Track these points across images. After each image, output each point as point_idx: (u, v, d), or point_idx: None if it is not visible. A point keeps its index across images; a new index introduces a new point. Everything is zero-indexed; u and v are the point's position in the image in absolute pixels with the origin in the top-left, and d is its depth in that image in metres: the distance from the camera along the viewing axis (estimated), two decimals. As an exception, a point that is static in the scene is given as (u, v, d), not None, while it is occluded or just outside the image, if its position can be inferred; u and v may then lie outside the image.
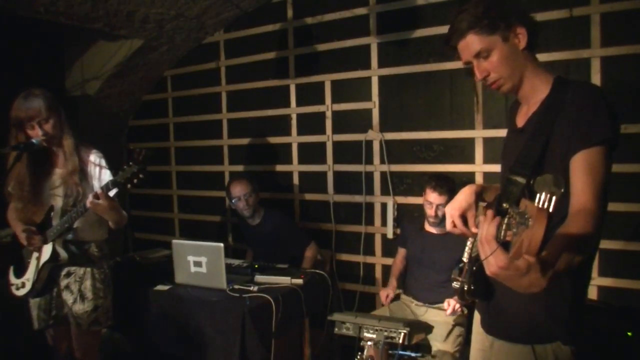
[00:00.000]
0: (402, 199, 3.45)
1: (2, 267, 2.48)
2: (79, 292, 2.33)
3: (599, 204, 1.19)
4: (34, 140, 2.21)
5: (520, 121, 1.43)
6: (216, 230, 4.38)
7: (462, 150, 3.21)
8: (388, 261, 3.51)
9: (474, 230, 1.44)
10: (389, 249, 3.51)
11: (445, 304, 2.66)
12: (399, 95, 3.41)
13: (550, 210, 0.89)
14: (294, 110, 3.86)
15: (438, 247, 2.86)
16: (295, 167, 3.89)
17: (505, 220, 1.04)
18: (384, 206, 3.52)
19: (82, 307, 2.32)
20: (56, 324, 2.40)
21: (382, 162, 3.49)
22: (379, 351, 2.43)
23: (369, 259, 3.62)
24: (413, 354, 2.54)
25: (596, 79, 2.74)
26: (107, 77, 4.12)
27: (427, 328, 2.72)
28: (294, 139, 3.87)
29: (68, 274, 2.34)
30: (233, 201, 3.36)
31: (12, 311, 2.61)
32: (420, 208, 3.04)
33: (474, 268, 1.37)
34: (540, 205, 0.90)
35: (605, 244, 2.67)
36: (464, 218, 1.47)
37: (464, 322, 2.72)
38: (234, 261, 3.34)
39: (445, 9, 3.16)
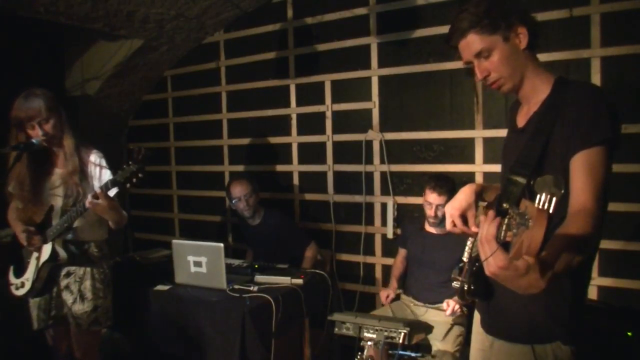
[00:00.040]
0: (402, 199, 3.45)
1: (2, 267, 2.48)
2: (78, 292, 2.33)
3: (599, 204, 1.19)
4: (34, 141, 2.21)
5: (521, 121, 1.43)
6: (216, 230, 4.38)
7: (462, 150, 3.21)
8: (388, 261, 3.51)
9: (474, 229, 1.44)
10: (389, 249, 3.51)
11: (444, 305, 2.66)
12: (399, 95, 3.41)
13: (551, 211, 0.89)
14: (294, 110, 3.86)
15: (438, 247, 2.86)
16: (295, 167, 3.89)
17: (506, 221, 1.04)
18: (384, 206, 3.52)
19: (81, 307, 2.32)
20: (55, 324, 2.40)
21: (382, 162, 3.49)
22: (379, 351, 2.43)
23: (369, 259, 3.62)
24: (413, 354, 2.54)
25: (596, 79, 2.74)
26: (107, 77, 4.12)
27: (427, 328, 2.72)
28: (294, 139, 3.87)
29: (68, 274, 2.34)
30: (233, 202, 3.36)
31: (12, 311, 2.61)
32: (420, 208, 3.04)
33: (474, 268, 1.37)
34: (540, 206, 0.90)
35: (605, 244, 2.67)
36: (464, 218, 1.47)
37: (464, 322, 2.73)
38: (234, 261, 3.34)
39: (445, 9, 3.16)
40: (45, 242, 2.28)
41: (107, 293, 2.42)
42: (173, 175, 4.65)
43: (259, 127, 4.05)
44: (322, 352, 3.06)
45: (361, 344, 2.52)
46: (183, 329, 2.68)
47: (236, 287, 2.73)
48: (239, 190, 3.33)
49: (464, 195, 1.49)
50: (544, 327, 1.33)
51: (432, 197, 2.81)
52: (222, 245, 2.70)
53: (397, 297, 3.05)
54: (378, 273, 3.60)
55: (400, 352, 2.44)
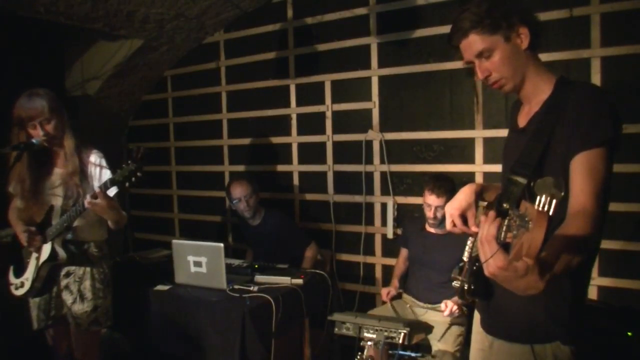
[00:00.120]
0: (402, 199, 3.45)
1: (2, 267, 2.48)
2: (78, 292, 2.33)
3: (599, 205, 1.19)
4: (34, 141, 2.21)
5: (522, 121, 1.43)
6: (216, 230, 4.38)
7: (462, 150, 3.21)
8: (388, 261, 3.51)
9: (473, 229, 1.44)
10: (389, 249, 3.51)
11: (442, 305, 2.66)
12: (399, 95, 3.41)
13: (551, 213, 0.89)
14: (294, 110, 3.86)
15: (439, 247, 2.85)
16: (295, 167, 3.89)
17: (506, 222, 1.04)
18: (384, 206, 3.52)
19: (81, 307, 2.32)
20: (55, 324, 2.40)
21: (382, 162, 3.49)
22: (379, 351, 2.43)
23: (369, 259, 3.62)
24: (413, 354, 2.54)
25: (596, 79, 2.74)
26: (107, 77, 4.12)
27: (427, 328, 2.72)
28: (294, 139, 3.87)
29: (67, 274, 2.34)
30: (233, 202, 3.36)
31: (12, 311, 2.61)
32: (420, 208, 3.04)
33: (474, 267, 1.37)
34: (540, 209, 0.90)
35: (605, 244, 2.66)
36: (463, 217, 1.46)
37: (464, 322, 2.72)
38: (234, 261, 3.34)
39: (445, 9, 3.16)
40: (45, 241, 2.28)
41: (107, 293, 2.42)
42: (173, 175, 4.65)
43: (259, 127, 4.05)
44: (322, 352, 3.06)
45: (361, 344, 2.52)
46: (183, 329, 2.68)
47: (236, 287, 2.73)
48: (239, 191, 3.33)
49: (464, 195, 1.49)
50: (543, 327, 1.33)
51: (431, 199, 2.81)
52: (222, 245, 2.70)
53: (398, 296, 3.05)
54: (378, 273, 3.60)
55: (400, 352, 2.44)
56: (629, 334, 2.00)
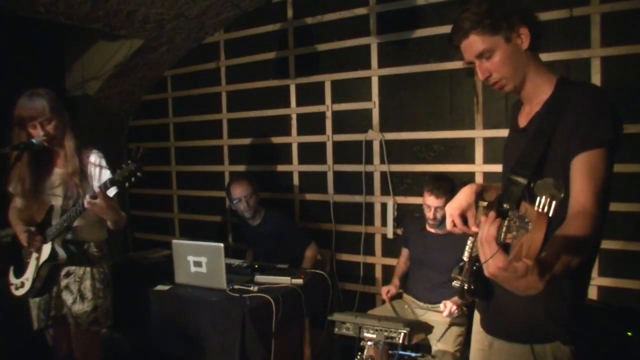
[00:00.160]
0: (402, 199, 3.45)
1: (2, 267, 2.48)
2: (78, 292, 2.33)
3: (599, 205, 1.19)
4: (34, 141, 2.21)
5: (523, 121, 1.43)
6: (216, 230, 4.38)
7: (462, 150, 3.21)
8: (388, 261, 3.51)
9: (474, 229, 1.44)
10: (389, 249, 3.51)
11: (441, 306, 2.66)
12: (399, 95, 3.41)
13: (550, 214, 0.89)
14: (294, 110, 3.86)
15: (439, 247, 2.85)
16: (295, 167, 3.89)
17: (506, 223, 1.04)
18: (384, 206, 3.52)
19: (81, 307, 2.32)
20: (55, 324, 2.40)
21: (382, 162, 3.49)
22: (379, 351, 2.43)
23: (369, 259, 3.62)
24: (413, 354, 2.54)
25: (596, 79, 2.74)
26: (107, 77, 4.12)
27: (427, 328, 2.72)
28: (294, 139, 3.87)
29: (68, 274, 2.34)
30: (233, 202, 3.36)
31: (12, 311, 2.61)
32: (420, 208, 3.04)
33: (474, 267, 1.37)
34: (540, 210, 0.90)
35: (605, 244, 2.65)
36: (464, 217, 1.46)
37: (464, 322, 2.73)
38: (234, 261, 3.34)
39: (445, 8, 3.16)
40: (45, 242, 2.28)
41: (107, 293, 2.42)
42: (173, 175, 4.65)
43: (259, 127, 4.05)
44: (322, 352, 3.06)
45: (361, 344, 2.52)
46: (183, 329, 2.68)
47: (236, 287, 2.74)
48: (239, 191, 3.33)
49: (464, 195, 1.49)
50: (543, 327, 1.33)
51: (430, 200, 2.81)
52: (222, 245, 2.70)
53: (399, 296, 3.05)
54: (378, 273, 3.60)
55: (400, 352, 2.44)
56: (629, 334, 2.00)
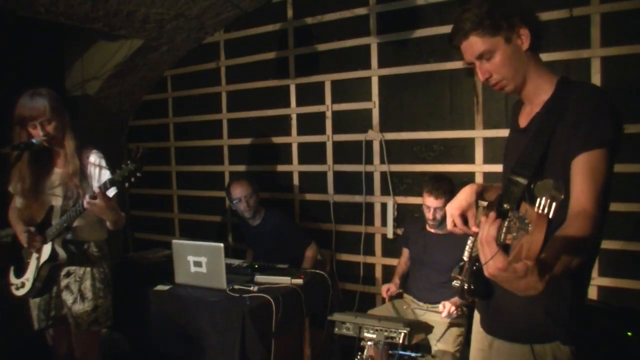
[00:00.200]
0: (402, 199, 3.45)
1: (2, 267, 2.48)
2: (78, 292, 2.33)
3: (599, 206, 1.19)
4: (34, 141, 2.21)
5: (523, 121, 1.43)
6: (216, 230, 4.38)
7: (462, 151, 3.21)
8: (388, 261, 3.51)
9: (474, 229, 1.44)
10: (389, 249, 3.51)
11: (440, 307, 2.66)
12: (399, 95, 3.41)
13: (551, 216, 0.89)
14: (294, 110, 3.86)
15: (439, 247, 2.86)
16: (295, 167, 3.89)
17: (506, 223, 1.04)
18: (384, 206, 3.52)
19: (82, 307, 2.32)
20: (55, 324, 2.40)
21: (382, 162, 3.49)
22: (379, 351, 2.43)
23: (369, 259, 3.62)
24: (413, 354, 2.54)
25: (596, 79, 2.74)
26: (107, 77, 4.12)
27: (427, 328, 2.72)
28: (294, 139, 3.87)
29: (68, 274, 2.34)
30: (233, 203, 3.36)
31: (12, 311, 2.61)
32: (420, 208, 3.04)
33: (474, 267, 1.37)
34: (540, 211, 0.90)
35: (605, 244, 2.65)
36: (464, 217, 1.46)
37: (464, 322, 2.73)
38: (234, 261, 3.34)
39: (445, 9, 3.16)
40: (45, 242, 2.28)
41: (107, 293, 2.42)
42: (173, 175, 4.65)
43: (259, 127, 4.05)
44: (322, 352, 3.06)
45: (361, 344, 2.52)
46: (183, 329, 2.68)
47: (236, 287, 2.74)
48: (239, 191, 3.33)
49: (465, 195, 1.49)
50: (543, 327, 1.33)
51: (429, 201, 2.81)
52: (222, 245, 2.70)
53: (399, 296, 3.05)
54: (378, 273, 3.60)
55: (400, 352, 2.44)
56: (629, 334, 2.00)
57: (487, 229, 1.05)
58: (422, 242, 2.96)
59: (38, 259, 2.29)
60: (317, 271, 3.08)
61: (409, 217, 3.37)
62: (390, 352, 2.47)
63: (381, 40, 3.42)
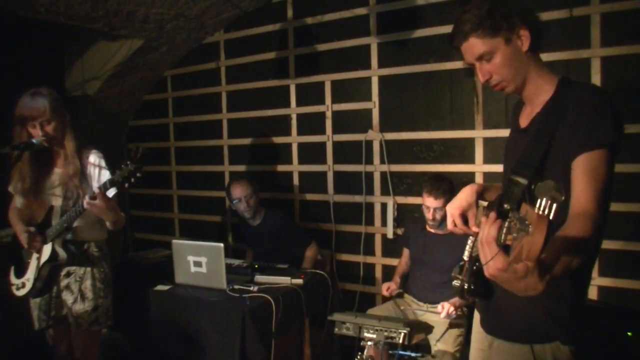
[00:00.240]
0: (402, 199, 3.45)
1: (2, 267, 2.48)
2: (79, 291, 2.33)
3: (599, 207, 1.19)
4: (34, 140, 2.21)
5: (524, 121, 1.43)
6: (216, 230, 4.38)
7: (462, 151, 3.21)
8: (388, 261, 3.51)
9: (474, 229, 1.44)
10: (389, 249, 3.51)
11: (439, 307, 2.66)
12: (399, 95, 3.41)
13: (551, 217, 0.89)
14: (294, 110, 3.86)
15: (439, 248, 2.86)
16: (295, 167, 3.89)
17: (506, 224, 1.04)
18: (384, 206, 3.52)
19: (82, 306, 2.32)
20: (55, 324, 2.40)
21: (382, 162, 3.49)
22: (379, 351, 2.43)
23: (369, 259, 3.62)
24: (413, 354, 2.54)
25: (596, 79, 2.74)
26: (107, 77, 4.12)
27: (427, 328, 2.72)
28: (294, 139, 3.87)
29: (68, 274, 2.34)
30: (234, 203, 3.36)
31: (12, 311, 2.61)
32: (420, 208, 3.04)
33: (474, 267, 1.37)
34: (540, 212, 0.90)
35: (605, 244, 2.64)
36: (464, 217, 1.46)
37: (464, 322, 2.73)
38: (234, 261, 3.34)
39: (445, 8, 3.16)
40: (45, 242, 2.28)
41: (108, 293, 2.42)
42: (173, 175, 4.65)
43: (259, 127, 4.05)
44: (322, 352, 3.06)
45: (361, 344, 2.52)
46: (183, 329, 2.68)
47: (236, 287, 2.74)
48: (239, 192, 3.33)
49: (465, 195, 1.49)
50: (543, 327, 1.33)
51: (429, 201, 2.81)
52: (222, 245, 2.70)
53: (399, 296, 3.05)
54: (378, 273, 3.60)
55: (400, 352, 2.44)
56: (629, 334, 2.00)
57: (487, 229, 1.05)
58: (422, 242, 2.96)
59: (38, 259, 2.29)
60: (317, 271, 3.08)
61: (409, 217, 3.37)
62: (390, 352, 2.47)
63: (381, 40, 3.42)
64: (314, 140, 3.78)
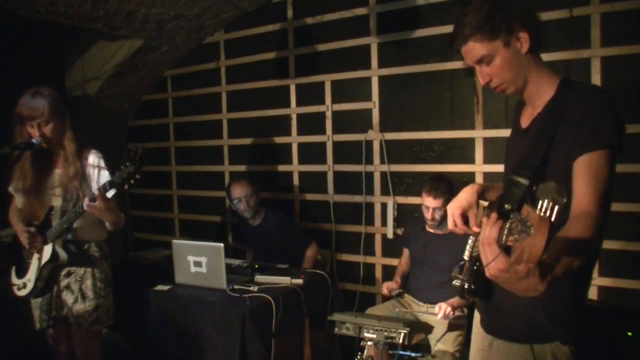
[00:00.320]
0: (402, 199, 3.45)
1: (3, 268, 2.48)
2: (79, 291, 2.33)
3: (600, 207, 1.19)
4: (34, 140, 2.21)
5: (525, 122, 1.43)
6: (216, 230, 4.38)
7: (462, 151, 3.21)
8: (388, 261, 3.51)
9: (475, 229, 1.44)
10: (389, 249, 3.51)
11: (436, 308, 2.65)
12: (399, 95, 3.41)
13: (553, 219, 0.89)
14: (294, 110, 3.86)
15: (440, 247, 2.86)
16: (295, 167, 3.89)
17: (507, 225, 1.04)
18: (384, 206, 3.52)
19: (83, 306, 2.32)
20: (56, 324, 2.40)
21: (382, 162, 3.49)
22: (379, 351, 2.43)
23: (369, 259, 3.62)
24: (413, 354, 2.54)
25: (596, 79, 2.74)
26: (107, 77, 4.12)
27: (427, 328, 2.72)
28: (294, 139, 3.87)
29: (68, 274, 2.34)
30: (234, 203, 3.36)
31: (13, 311, 2.61)
32: (420, 208, 3.04)
33: (475, 267, 1.37)
34: (542, 214, 0.90)
35: (605, 244, 2.62)
36: (465, 217, 1.46)
37: (464, 322, 2.73)
38: (234, 261, 3.34)
39: (445, 9, 3.16)
40: (45, 242, 2.28)
41: (108, 292, 2.42)
42: (173, 175, 4.65)
43: (259, 127, 4.05)
44: (322, 352, 3.06)
45: (361, 344, 2.52)
46: (183, 329, 2.68)
47: (236, 287, 2.74)
48: (239, 191, 3.33)
49: (465, 195, 1.49)
50: (543, 327, 1.33)
51: (428, 201, 2.81)
52: (222, 245, 2.70)
53: (399, 296, 3.05)
54: (378, 273, 3.60)
55: (400, 352, 2.44)
56: (629, 334, 2.00)
57: (488, 230, 1.05)
58: (422, 242, 2.96)
59: (39, 259, 2.29)
60: (317, 271, 3.08)
61: (409, 217, 3.37)
62: (390, 352, 2.47)
63: (381, 40, 3.42)
64: (314, 140, 3.78)
